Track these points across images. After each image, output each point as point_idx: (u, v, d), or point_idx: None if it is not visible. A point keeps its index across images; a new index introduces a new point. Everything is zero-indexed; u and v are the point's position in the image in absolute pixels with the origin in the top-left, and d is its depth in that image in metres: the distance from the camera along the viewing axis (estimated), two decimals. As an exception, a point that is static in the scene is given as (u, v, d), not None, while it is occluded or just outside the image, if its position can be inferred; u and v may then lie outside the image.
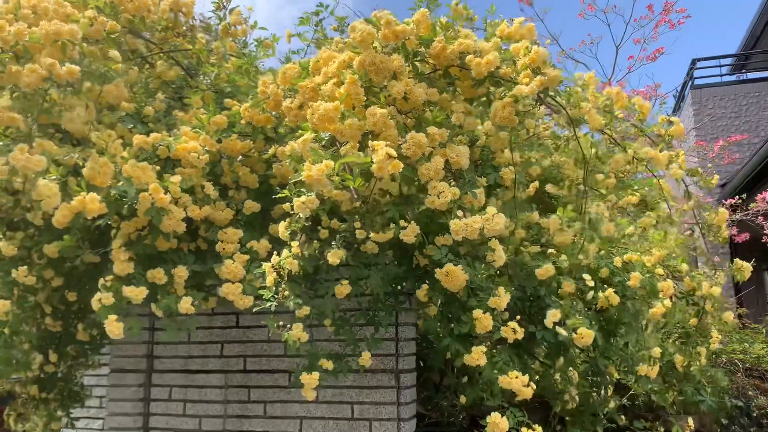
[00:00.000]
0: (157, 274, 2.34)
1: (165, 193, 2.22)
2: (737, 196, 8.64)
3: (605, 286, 2.73)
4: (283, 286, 2.26)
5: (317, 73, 2.28)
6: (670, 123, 2.63)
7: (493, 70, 2.13)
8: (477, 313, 2.31)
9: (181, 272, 2.38)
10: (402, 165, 1.78)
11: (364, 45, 1.98)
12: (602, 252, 2.86)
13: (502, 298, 2.34)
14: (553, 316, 2.52)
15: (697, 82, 12.71)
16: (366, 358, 2.65)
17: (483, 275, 2.36)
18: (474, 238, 1.99)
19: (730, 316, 2.86)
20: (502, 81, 2.22)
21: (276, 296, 2.27)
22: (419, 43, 2.18)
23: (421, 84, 2.05)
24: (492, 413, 2.38)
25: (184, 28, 2.94)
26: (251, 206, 2.65)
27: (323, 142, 2.05)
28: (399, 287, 2.86)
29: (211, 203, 2.54)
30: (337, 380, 2.96)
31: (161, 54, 2.89)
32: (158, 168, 2.34)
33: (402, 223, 2.18)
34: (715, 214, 2.79)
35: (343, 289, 2.48)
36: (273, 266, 2.28)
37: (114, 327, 2.26)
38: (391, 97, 2.00)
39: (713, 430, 3.90)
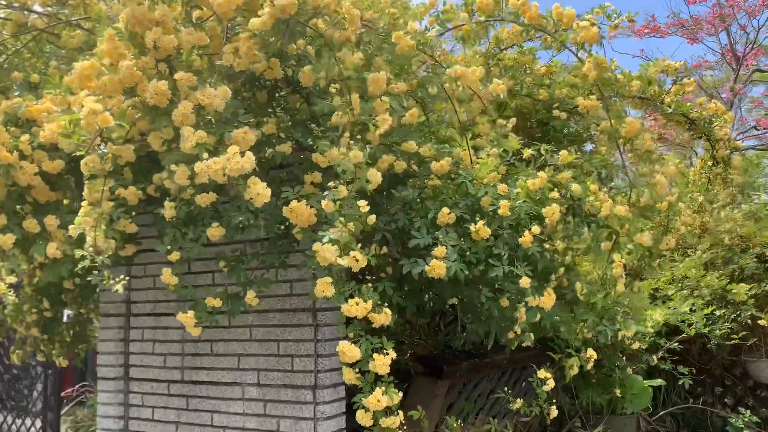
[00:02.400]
0: (29, 224, 2.64)
1: (12, 152, 2.48)
2: None
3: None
4: (96, 233, 2.39)
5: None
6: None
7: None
8: (316, 245, 2.35)
9: (51, 221, 2.65)
10: (111, 121, 1.87)
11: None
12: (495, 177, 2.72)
13: (343, 229, 2.36)
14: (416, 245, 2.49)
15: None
16: (250, 297, 2.77)
17: (335, 209, 2.39)
18: (218, 178, 2.03)
19: (644, 237, 2.62)
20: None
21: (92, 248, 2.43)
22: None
23: (189, 30, 2.10)
24: (341, 342, 2.43)
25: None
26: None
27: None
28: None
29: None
30: (266, 320, 3.17)
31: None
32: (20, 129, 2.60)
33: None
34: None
35: (214, 231, 2.61)
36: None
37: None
38: (149, 48, 2.08)
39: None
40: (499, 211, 2.53)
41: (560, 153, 2.83)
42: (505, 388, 3.26)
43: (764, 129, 9.32)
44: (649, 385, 5.27)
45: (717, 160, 5.37)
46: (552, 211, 2.55)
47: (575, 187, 2.69)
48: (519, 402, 3.07)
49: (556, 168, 2.83)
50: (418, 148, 2.70)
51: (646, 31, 9.76)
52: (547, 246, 2.98)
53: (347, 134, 2.41)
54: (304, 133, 2.69)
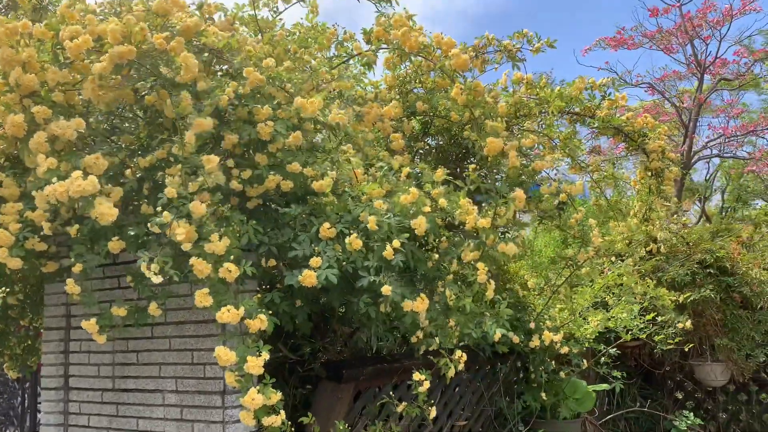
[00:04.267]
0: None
1: None
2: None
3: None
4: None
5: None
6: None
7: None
8: (192, 260, 2.59)
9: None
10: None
11: (2, 43, 2.36)
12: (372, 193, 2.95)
13: (216, 244, 2.59)
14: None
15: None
16: (153, 308, 3.00)
17: (208, 227, 2.63)
18: (64, 200, 2.27)
19: (510, 247, 2.84)
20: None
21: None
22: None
23: (54, 70, 2.38)
24: (217, 347, 2.66)
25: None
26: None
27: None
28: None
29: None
30: (182, 331, 3.41)
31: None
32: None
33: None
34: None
35: (114, 244, 2.85)
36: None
37: None
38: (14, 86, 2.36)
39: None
40: (368, 226, 2.76)
41: (437, 171, 3.04)
42: (391, 393, 3.45)
43: (729, 137, 9.49)
44: (594, 390, 5.44)
45: (651, 171, 5.56)
46: (419, 223, 2.77)
47: (442, 201, 2.91)
48: (403, 405, 3.26)
49: (434, 183, 3.04)
50: (302, 168, 2.94)
51: (613, 43, 9.98)
52: (435, 256, 3.20)
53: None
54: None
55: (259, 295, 2.99)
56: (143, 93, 2.80)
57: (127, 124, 3.34)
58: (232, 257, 2.63)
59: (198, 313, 3.42)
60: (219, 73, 3.04)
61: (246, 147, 3.05)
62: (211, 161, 2.56)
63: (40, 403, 6.35)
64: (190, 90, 2.63)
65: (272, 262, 2.97)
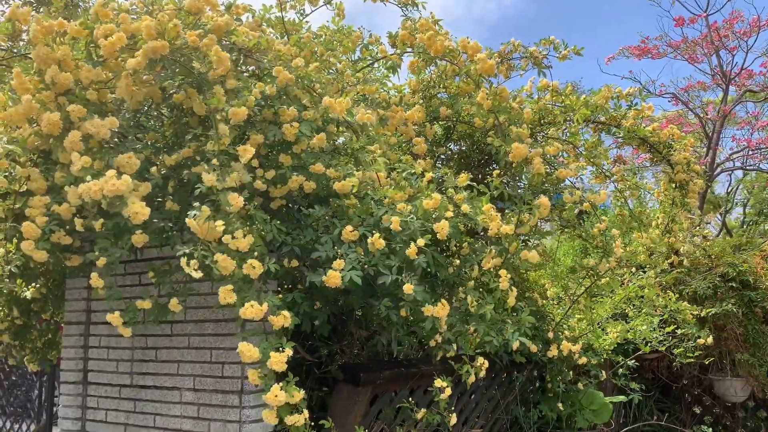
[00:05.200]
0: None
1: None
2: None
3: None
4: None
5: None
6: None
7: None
8: (217, 255, 2.60)
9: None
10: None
11: (37, 41, 2.38)
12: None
13: (241, 241, 2.60)
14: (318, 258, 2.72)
15: None
16: (173, 304, 3.01)
17: (234, 224, 2.64)
18: (98, 198, 2.29)
19: (533, 255, 2.81)
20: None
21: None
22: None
23: (88, 68, 2.40)
24: (240, 343, 2.66)
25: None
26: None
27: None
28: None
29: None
30: (202, 330, 3.43)
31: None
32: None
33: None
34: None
35: (138, 237, 2.86)
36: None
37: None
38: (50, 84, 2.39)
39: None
40: (391, 227, 2.76)
41: (460, 176, 3.04)
42: (410, 399, 3.44)
43: (753, 149, 9.36)
44: (611, 401, 5.38)
45: (676, 183, 5.50)
46: (442, 227, 2.76)
47: (465, 207, 2.90)
48: (422, 411, 3.25)
49: (457, 188, 3.04)
50: (325, 170, 2.94)
51: (637, 52, 9.90)
52: (456, 262, 3.19)
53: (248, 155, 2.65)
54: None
55: (280, 295, 2.99)
56: (171, 91, 2.82)
57: (152, 122, 3.37)
58: (255, 254, 2.64)
59: (218, 312, 3.44)
60: (245, 74, 3.05)
61: (270, 147, 3.06)
62: (247, 151, 2.56)
63: (57, 396, 6.42)
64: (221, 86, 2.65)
65: (294, 263, 2.97)
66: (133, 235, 2.84)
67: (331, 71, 3.22)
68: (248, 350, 2.62)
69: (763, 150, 9.69)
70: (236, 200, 2.52)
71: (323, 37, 3.53)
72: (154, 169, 2.90)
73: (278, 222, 2.84)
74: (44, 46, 2.35)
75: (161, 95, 2.88)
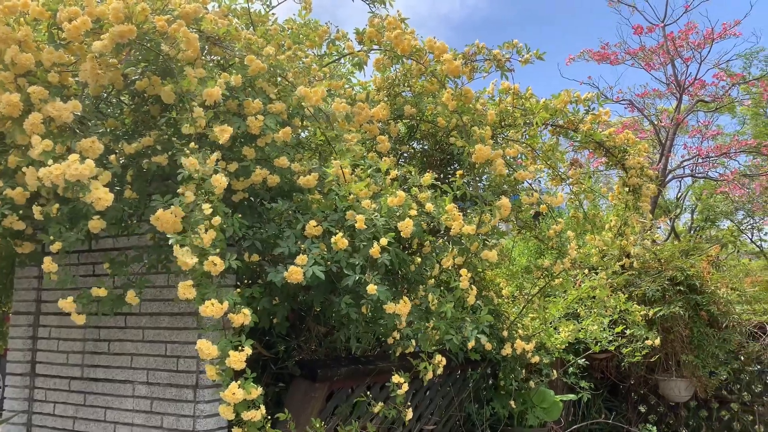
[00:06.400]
0: None
1: None
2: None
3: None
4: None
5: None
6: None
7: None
8: (176, 249, 2.56)
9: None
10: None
11: None
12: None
13: (203, 235, 2.56)
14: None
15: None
16: (131, 296, 2.95)
17: (197, 218, 2.60)
18: (60, 183, 2.23)
19: (493, 255, 2.85)
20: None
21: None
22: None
23: (50, 50, 2.34)
24: (199, 341, 2.62)
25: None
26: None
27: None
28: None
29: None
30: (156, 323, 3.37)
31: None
32: None
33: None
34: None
35: (95, 223, 2.77)
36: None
37: None
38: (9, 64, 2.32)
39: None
40: (356, 225, 2.76)
41: (424, 175, 3.06)
42: (368, 393, 3.45)
43: (703, 157, 9.69)
44: (561, 400, 5.51)
45: (629, 187, 5.65)
46: (405, 226, 2.77)
47: (428, 206, 2.92)
48: (379, 405, 3.26)
49: (420, 187, 3.05)
50: (289, 164, 2.92)
51: (597, 57, 10.12)
52: (418, 260, 3.21)
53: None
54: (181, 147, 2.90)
55: (239, 290, 2.96)
56: (134, 78, 2.76)
57: (111, 110, 3.28)
58: (217, 250, 2.60)
59: (174, 305, 3.38)
60: (210, 64, 3.01)
61: (233, 140, 3.02)
62: (225, 131, 2.53)
63: (1, 388, 6.22)
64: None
65: (255, 258, 2.95)
66: (90, 220, 2.77)
67: (299, 64, 3.20)
68: (207, 348, 2.59)
69: (711, 158, 10.03)
70: (220, 182, 2.49)
71: (290, 30, 3.49)
72: (113, 157, 2.83)
73: (239, 216, 2.81)
74: (5, 26, 2.26)
75: (122, 82, 2.81)
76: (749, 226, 19.70)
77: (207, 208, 2.55)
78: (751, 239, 20.11)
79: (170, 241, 2.53)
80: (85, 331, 3.72)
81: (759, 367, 6.03)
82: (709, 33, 9.51)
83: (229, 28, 2.75)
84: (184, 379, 3.30)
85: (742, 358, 6.05)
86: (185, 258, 2.55)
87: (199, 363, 3.26)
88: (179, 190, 2.52)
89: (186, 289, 2.61)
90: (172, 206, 2.47)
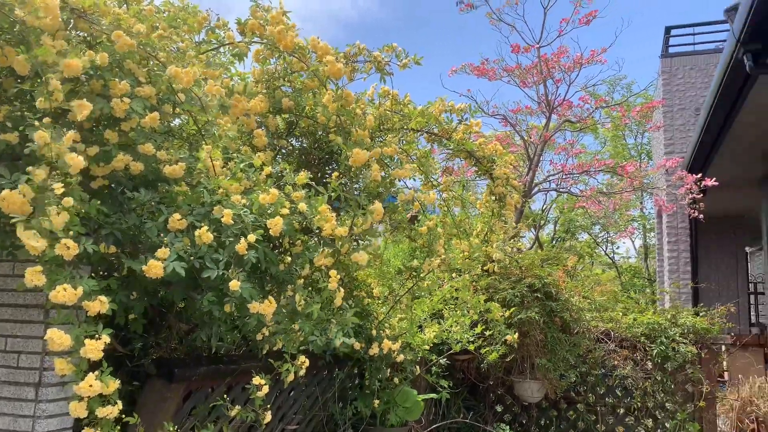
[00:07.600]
0: None
1: None
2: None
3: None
4: None
5: None
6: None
7: None
8: (21, 232, 2.34)
9: None
10: None
11: None
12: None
13: (54, 218, 2.37)
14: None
15: (671, 50, 13.08)
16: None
17: (49, 198, 2.39)
18: None
19: (362, 257, 2.88)
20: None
21: None
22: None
23: None
24: (50, 330, 2.43)
25: None
26: None
27: None
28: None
29: None
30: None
31: None
32: None
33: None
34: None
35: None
36: None
37: None
38: None
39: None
40: (223, 220, 2.67)
41: (299, 174, 3.03)
42: (225, 395, 3.37)
43: (567, 173, 10.37)
44: (423, 399, 5.66)
45: (495, 195, 5.93)
46: (275, 224, 2.73)
47: (302, 206, 2.89)
48: (236, 409, 3.19)
49: (295, 185, 3.02)
50: (155, 151, 2.78)
51: (476, 72, 10.53)
52: (288, 259, 3.17)
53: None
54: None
55: (95, 282, 2.77)
56: (-18, 46, 2.50)
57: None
58: (70, 232, 2.42)
59: (18, 297, 3.11)
60: (75, 41, 2.79)
61: (96, 122, 2.83)
62: (84, 107, 2.34)
63: None
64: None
65: (113, 249, 2.77)
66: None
67: (172, 49, 3.04)
68: (58, 337, 2.40)
69: (574, 175, 10.75)
70: (75, 160, 2.30)
71: (167, 13, 3.32)
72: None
73: (98, 203, 2.63)
74: None
75: None
76: (604, 240, 21.41)
77: (59, 188, 2.36)
78: (605, 252, 21.86)
79: (12, 221, 2.31)
80: None
81: (603, 370, 6.53)
82: (579, 58, 10.17)
83: (98, 1, 2.56)
84: (25, 376, 3.04)
85: (589, 362, 6.52)
86: (31, 241, 2.35)
87: (43, 360, 3.02)
88: (28, 169, 2.31)
89: (34, 275, 2.41)
90: (19, 185, 2.27)
